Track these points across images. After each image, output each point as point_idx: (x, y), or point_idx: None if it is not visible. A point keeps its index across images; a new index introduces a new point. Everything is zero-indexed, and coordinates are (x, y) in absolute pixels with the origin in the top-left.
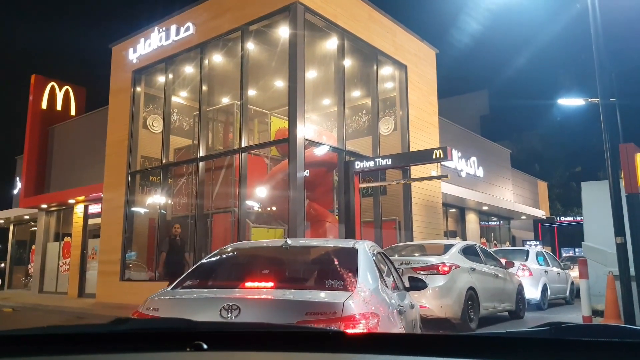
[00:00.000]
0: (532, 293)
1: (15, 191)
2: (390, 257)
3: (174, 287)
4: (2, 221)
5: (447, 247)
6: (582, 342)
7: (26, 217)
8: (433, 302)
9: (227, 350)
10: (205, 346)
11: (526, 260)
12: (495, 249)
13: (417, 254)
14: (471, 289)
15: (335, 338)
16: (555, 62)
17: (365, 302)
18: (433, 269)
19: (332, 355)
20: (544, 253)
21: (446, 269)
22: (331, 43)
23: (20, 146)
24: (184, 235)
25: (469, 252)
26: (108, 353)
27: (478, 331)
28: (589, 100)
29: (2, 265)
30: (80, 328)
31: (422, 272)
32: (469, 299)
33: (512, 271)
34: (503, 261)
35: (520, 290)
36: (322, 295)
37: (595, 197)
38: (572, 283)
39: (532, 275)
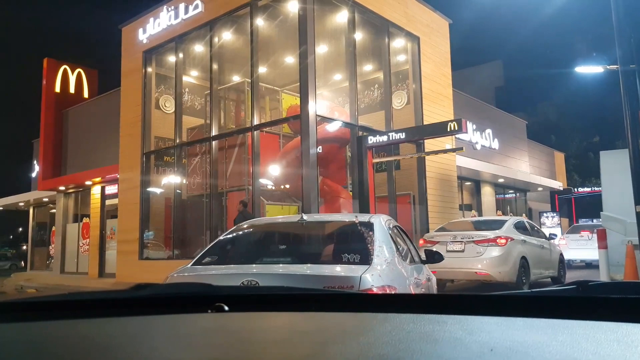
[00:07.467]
0: None
1: (34, 174)
2: (451, 232)
3: (193, 264)
4: (22, 204)
5: (502, 223)
6: (610, 300)
7: (45, 199)
8: (493, 269)
9: (248, 311)
10: (226, 308)
11: None
12: (576, 224)
13: (471, 230)
14: (523, 257)
15: (356, 299)
16: (572, 29)
17: (382, 275)
18: (492, 241)
19: (353, 315)
20: None
21: (503, 241)
22: (341, 16)
23: (37, 130)
24: (199, 215)
25: (519, 226)
26: (130, 316)
27: None
28: (608, 67)
29: (24, 247)
30: (102, 294)
31: (483, 244)
32: (521, 266)
33: (554, 242)
34: (547, 234)
35: (561, 259)
36: (339, 269)
37: (614, 166)
38: None
39: None
